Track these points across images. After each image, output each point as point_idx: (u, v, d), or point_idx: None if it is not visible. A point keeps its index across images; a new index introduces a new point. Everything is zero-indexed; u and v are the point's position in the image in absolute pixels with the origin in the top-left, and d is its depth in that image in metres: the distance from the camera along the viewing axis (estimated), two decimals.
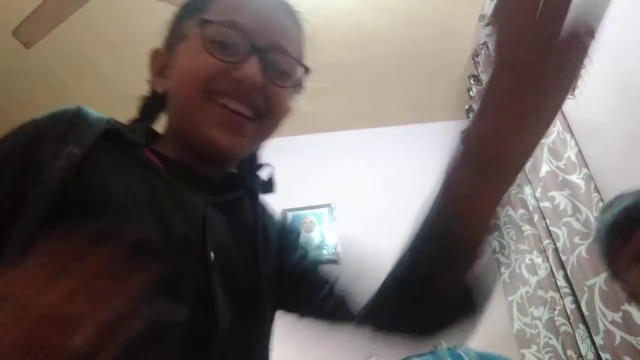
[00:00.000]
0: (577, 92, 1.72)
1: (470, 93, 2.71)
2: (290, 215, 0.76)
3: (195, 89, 0.59)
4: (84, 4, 2.04)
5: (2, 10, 2.44)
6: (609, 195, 1.55)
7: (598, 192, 1.56)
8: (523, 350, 1.97)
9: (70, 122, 0.56)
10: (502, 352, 2.25)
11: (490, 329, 2.35)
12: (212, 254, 0.54)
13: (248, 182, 0.69)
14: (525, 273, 2.04)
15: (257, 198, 0.69)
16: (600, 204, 1.52)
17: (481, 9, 2.56)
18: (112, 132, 0.57)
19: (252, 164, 0.73)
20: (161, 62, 0.70)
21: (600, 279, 1.45)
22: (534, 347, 1.89)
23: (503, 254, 2.34)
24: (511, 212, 2.19)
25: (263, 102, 0.61)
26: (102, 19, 2.58)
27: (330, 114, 3.11)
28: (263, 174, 0.72)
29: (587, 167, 1.63)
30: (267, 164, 0.73)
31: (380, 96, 3.13)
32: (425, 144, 3.14)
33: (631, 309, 1.35)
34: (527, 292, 2.01)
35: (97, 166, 0.52)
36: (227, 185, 0.66)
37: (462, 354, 0.35)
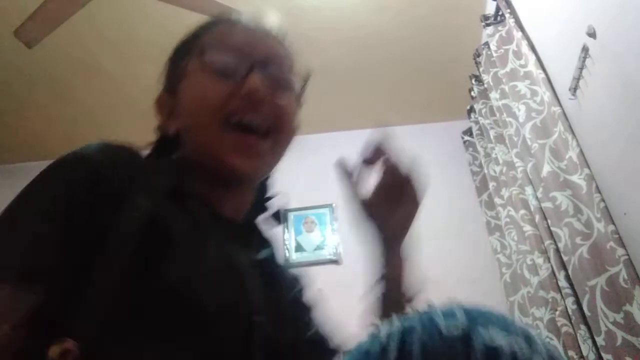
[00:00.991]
0: (578, 92, 1.71)
1: (472, 93, 2.71)
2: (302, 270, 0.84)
3: (210, 117, 0.63)
4: (85, 4, 2.04)
5: (3, 10, 2.44)
6: (610, 196, 1.54)
7: (599, 192, 1.56)
8: None
9: (129, 165, 0.58)
10: None
11: None
12: (256, 318, 0.57)
13: (258, 214, 0.73)
14: (526, 273, 2.03)
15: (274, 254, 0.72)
16: (602, 205, 1.52)
17: (482, 9, 2.55)
18: (175, 188, 0.60)
19: (262, 194, 0.76)
20: (167, 105, 0.72)
21: (601, 280, 1.45)
22: None
23: (504, 254, 2.34)
24: (512, 212, 2.19)
25: (271, 113, 0.65)
26: (103, 19, 2.59)
27: (331, 114, 3.11)
28: (274, 205, 0.76)
29: (588, 167, 1.63)
30: (276, 194, 0.77)
31: (381, 96, 3.13)
32: (427, 144, 3.14)
33: (633, 309, 1.35)
34: (528, 292, 2.01)
35: (162, 218, 0.55)
36: (252, 229, 0.71)
37: (453, 308, 0.41)
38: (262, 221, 0.74)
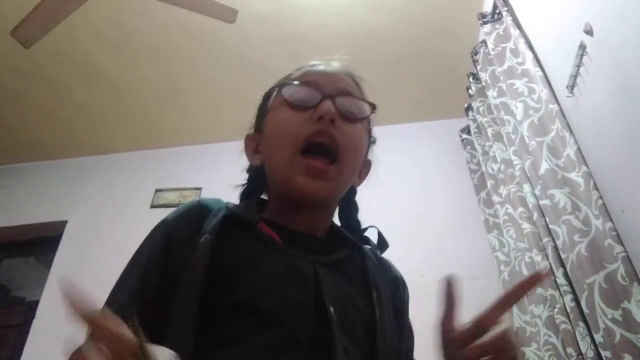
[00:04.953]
0: (575, 90, 1.72)
1: (470, 91, 2.71)
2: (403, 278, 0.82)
3: (286, 143, 0.71)
4: (83, 3, 2.03)
5: (0, 10, 2.43)
6: (608, 193, 1.55)
7: (597, 190, 1.56)
8: (523, 348, 1.97)
9: (199, 216, 0.68)
10: None
11: None
12: (331, 309, 0.62)
13: (355, 239, 0.79)
14: (524, 271, 2.03)
15: (362, 254, 0.77)
16: (600, 202, 1.52)
17: (480, 7, 2.55)
18: (231, 216, 0.69)
19: (357, 227, 0.85)
20: (254, 142, 0.82)
21: (599, 277, 1.45)
22: (534, 345, 1.89)
23: (502, 252, 2.34)
24: (510, 210, 2.19)
25: (340, 139, 0.71)
26: (100, 19, 2.58)
27: None
28: (372, 236, 0.83)
29: (586, 165, 1.63)
30: (371, 226, 0.84)
31: (380, 95, 3.11)
32: (424, 142, 3.14)
33: (631, 306, 1.35)
34: None
35: (227, 247, 0.64)
36: (333, 241, 0.76)
37: None
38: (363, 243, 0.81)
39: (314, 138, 0.70)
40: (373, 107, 0.79)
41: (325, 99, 0.72)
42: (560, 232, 1.64)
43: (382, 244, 0.82)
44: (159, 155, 3.36)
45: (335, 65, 0.84)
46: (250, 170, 0.86)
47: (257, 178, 0.84)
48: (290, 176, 0.70)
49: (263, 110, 0.81)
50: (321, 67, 0.81)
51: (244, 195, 0.86)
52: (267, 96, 0.82)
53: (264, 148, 0.78)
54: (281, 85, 0.77)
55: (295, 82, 0.76)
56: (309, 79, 0.76)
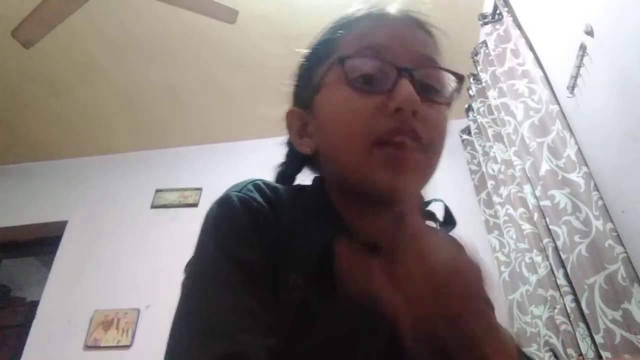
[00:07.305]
0: (576, 90, 1.72)
1: (470, 92, 2.71)
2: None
3: (360, 138, 0.54)
4: (83, 3, 2.04)
5: (1, 10, 2.43)
6: (609, 194, 1.55)
7: (598, 190, 1.56)
8: (523, 349, 1.97)
9: (264, 226, 0.53)
10: None
11: None
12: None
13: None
14: (525, 272, 2.03)
15: None
16: (600, 203, 1.52)
17: (480, 8, 2.55)
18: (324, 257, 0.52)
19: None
20: (299, 120, 0.64)
21: (600, 278, 1.45)
22: (534, 346, 1.89)
23: (503, 252, 2.34)
24: (511, 210, 2.19)
25: (424, 128, 0.55)
26: (101, 19, 2.58)
27: None
28: (438, 211, 0.67)
29: (586, 165, 1.63)
30: (436, 199, 0.68)
31: None
32: None
33: (631, 307, 1.35)
34: (527, 290, 2.01)
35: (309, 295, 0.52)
36: None
37: None
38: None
39: (392, 136, 0.53)
40: (461, 79, 0.60)
41: (402, 77, 0.54)
42: (560, 233, 1.64)
43: (451, 220, 0.67)
44: (159, 155, 3.37)
45: (408, 14, 0.62)
46: (290, 145, 0.69)
47: (297, 160, 0.69)
48: (367, 171, 0.54)
49: (308, 82, 0.63)
50: (391, 21, 0.60)
51: (283, 178, 0.70)
52: (315, 59, 0.63)
53: (321, 134, 0.60)
54: (340, 53, 0.58)
55: (359, 49, 0.57)
56: (374, 43, 0.57)
